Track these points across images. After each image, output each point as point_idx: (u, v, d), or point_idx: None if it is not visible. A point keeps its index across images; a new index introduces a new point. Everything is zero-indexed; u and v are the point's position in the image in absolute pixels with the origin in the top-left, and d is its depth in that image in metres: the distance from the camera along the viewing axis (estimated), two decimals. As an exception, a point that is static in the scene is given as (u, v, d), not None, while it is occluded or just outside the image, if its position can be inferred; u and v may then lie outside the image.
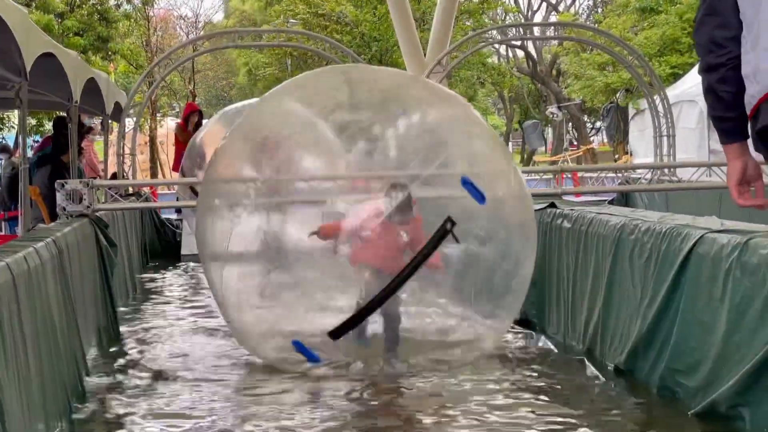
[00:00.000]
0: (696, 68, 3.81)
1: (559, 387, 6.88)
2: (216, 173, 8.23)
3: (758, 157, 3.43)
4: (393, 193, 7.68)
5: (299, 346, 7.45)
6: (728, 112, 3.28)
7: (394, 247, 7.68)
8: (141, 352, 8.58)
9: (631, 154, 24.74)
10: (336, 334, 7.39)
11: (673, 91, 18.59)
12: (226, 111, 16.35)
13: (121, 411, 6.55)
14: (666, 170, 12.99)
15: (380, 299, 7.36)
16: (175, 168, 18.28)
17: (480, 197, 7.24)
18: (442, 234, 7.25)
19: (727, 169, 3.46)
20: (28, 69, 8.02)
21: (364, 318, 7.54)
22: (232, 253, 7.99)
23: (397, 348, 7.84)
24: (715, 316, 5.88)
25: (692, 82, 17.94)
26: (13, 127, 24.53)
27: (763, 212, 3.47)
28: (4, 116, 24.51)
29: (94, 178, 13.49)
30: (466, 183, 7.25)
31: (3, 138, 24.37)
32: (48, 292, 6.33)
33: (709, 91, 3.31)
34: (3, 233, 12.97)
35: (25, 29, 7.90)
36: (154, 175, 30.73)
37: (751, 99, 3.19)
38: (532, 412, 6.26)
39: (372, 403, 6.68)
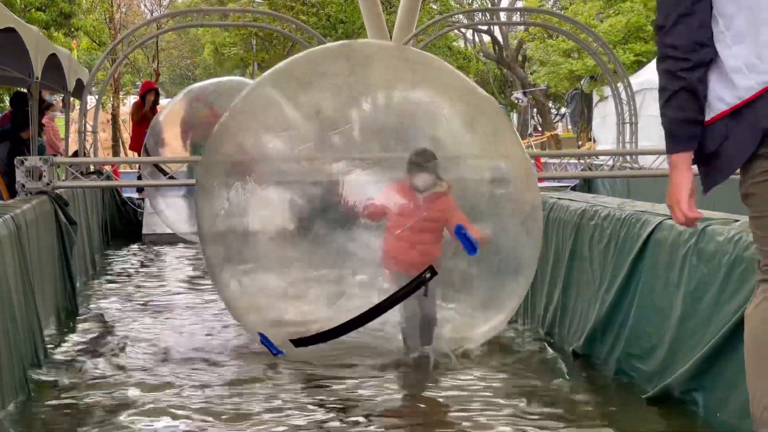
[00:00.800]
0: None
1: (521, 367, 6.95)
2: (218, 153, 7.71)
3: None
4: (415, 168, 6.93)
5: (263, 339, 7.11)
6: (700, 115, 3.27)
7: (428, 236, 7.00)
8: (99, 330, 8.57)
9: (594, 141, 24.89)
10: (307, 341, 6.97)
11: (637, 79, 18.74)
12: (191, 89, 16.31)
13: (77, 385, 6.56)
14: (628, 157, 13.07)
15: (360, 319, 6.81)
16: (132, 147, 18.22)
17: (471, 248, 6.71)
18: (419, 283, 6.71)
19: (673, 180, 3.42)
20: (-11, 43, 7.97)
21: (341, 333, 6.91)
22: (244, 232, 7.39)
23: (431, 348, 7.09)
24: (672, 301, 5.94)
25: (656, 70, 18.04)
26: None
27: (721, 200, 3.49)
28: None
29: (55, 155, 13.45)
30: (460, 233, 6.73)
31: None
32: (6, 268, 6.31)
33: (684, 91, 3.28)
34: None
35: (-14, 3, 7.84)
36: (116, 153, 30.59)
37: (741, 91, 3.20)
38: (492, 395, 6.30)
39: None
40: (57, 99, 17.39)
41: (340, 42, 8.21)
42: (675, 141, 3.34)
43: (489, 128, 7.55)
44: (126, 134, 31.82)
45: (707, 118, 3.26)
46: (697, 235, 5.80)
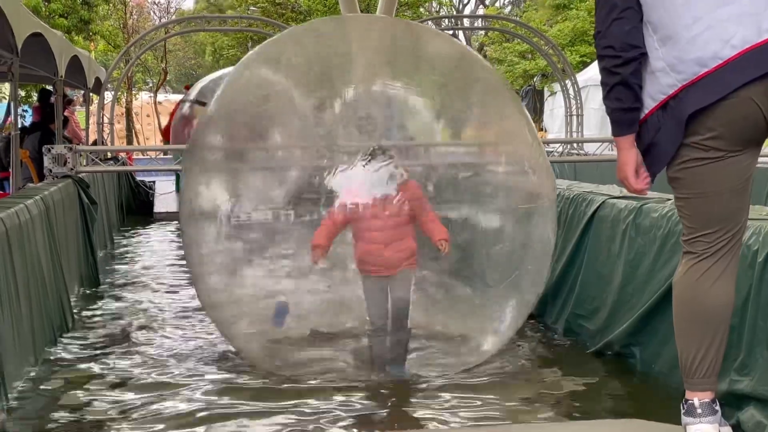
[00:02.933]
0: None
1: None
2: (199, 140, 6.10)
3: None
4: (374, 158, 5.51)
5: (279, 308, 5.85)
6: (636, 103, 3.30)
7: (399, 230, 5.51)
8: (116, 294, 8.60)
9: (545, 131, 24.93)
10: None
11: (582, 77, 18.75)
12: (201, 85, 16.55)
13: (100, 342, 6.60)
14: (575, 145, 13.12)
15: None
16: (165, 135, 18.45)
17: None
18: None
19: (620, 159, 3.46)
20: (20, 47, 7.92)
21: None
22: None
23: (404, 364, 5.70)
24: (613, 270, 6.00)
25: (597, 69, 18.12)
26: (4, 98, 24.11)
27: (656, 181, 3.49)
28: (-2, 88, 24.15)
29: (77, 144, 13.38)
30: None
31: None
32: (36, 242, 6.31)
33: (620, 84, 3.30)
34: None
35: (17, 12, 7.79)
36: (129, 142, 30.40)
37: (665, 88, 3.23)
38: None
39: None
40: (77, 95, 17.28)
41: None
42: (618, 126, 3.39)
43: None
44: (138, 125, 31.76)
45: (642, 115, 3.31)
46: (635, 212, 5.85)
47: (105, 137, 15.21)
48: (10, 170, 9.84)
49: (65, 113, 14.73)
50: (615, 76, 3.31)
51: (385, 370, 5.57)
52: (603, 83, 3.37)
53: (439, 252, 5.47)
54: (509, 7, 42.97)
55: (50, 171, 9.18)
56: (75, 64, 12.05)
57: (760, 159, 3.56)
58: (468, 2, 44.86)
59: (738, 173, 3.25)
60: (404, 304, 5.56)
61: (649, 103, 3.26)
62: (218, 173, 5.96)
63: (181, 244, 12.31)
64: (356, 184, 5.38)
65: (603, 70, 3.36)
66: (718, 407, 3.32)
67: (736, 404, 4.34)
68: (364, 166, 5.47)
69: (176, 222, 14.29)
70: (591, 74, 19.31)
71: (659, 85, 3.22)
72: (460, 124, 6.25)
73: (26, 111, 19.39)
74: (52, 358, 6.08)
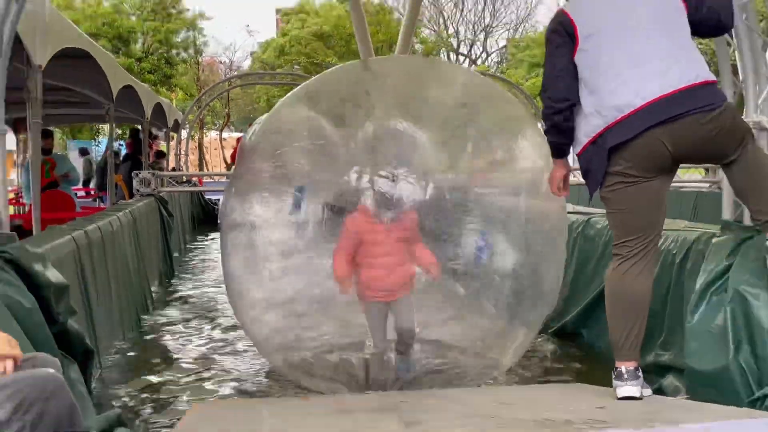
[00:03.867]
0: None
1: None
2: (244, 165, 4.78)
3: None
4: (378, 184, 4.37)
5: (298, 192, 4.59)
6: (564, 139, 3.46)
7: (402, 256, 4.40)
8: (189, 287, 8.63)
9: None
10: None
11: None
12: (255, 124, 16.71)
13: (174, 321, 6.63)
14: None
15: None
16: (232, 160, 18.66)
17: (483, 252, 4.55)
18: None
19: (552, 174, 3.66)
20: (114, 95, 8.02)
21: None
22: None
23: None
24: (567, 269, 5.98)
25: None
26: (105, 135, 24.38)
27: (598, 201, 3.59)
28: (100, 127, 24.34)
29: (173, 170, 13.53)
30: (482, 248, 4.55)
31: (98, 143, 24.16)
32: (125, 245, 6.37)
33: (554, 126, 3.44)
34: (98, 205, 12.91)
35: (113, 69, 7.89)
36: (201, 169, 30.56)
37: (595, 128, 3.29)
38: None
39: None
40: (160, 133, 17.41)
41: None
42: (553, 153, 3.59)
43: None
44: (207, 156, 31.92)
45: (578, 149, 3.40)
46: (584, 224, 5.87)
47: (182, 165, 15.35)
48: (107, 189, 9.94)
49: (161, 147, 14.94)
50: (550, 119, 3.44)
51: (379, 388, 4.28)
52: (544, 122, 3.49)
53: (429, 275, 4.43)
54: (495, 66, 42.96)
55: (138, 191, 9.28)
56: (158, 109, 12.18)
57: (687, 183, 3.61)
58: (464, 61, 44.97)
59: (650, 194, 3.32)
60: (410, 325, 4.43)
61: (584, 140, 3.33)
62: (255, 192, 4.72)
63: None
64: (368, 208, 4.36)
65: (544, 115, 3.48)
66: (640, 374, 3.34)
67: (660, 373, 4.34)
68: (376, 189, 4.37)
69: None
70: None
71: (590, 125, 3.29)
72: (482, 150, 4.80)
73: (121, 145, 19.60)
74: (134, 334, 6.13)
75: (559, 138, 3.46)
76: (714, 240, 3.89)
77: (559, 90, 3.37)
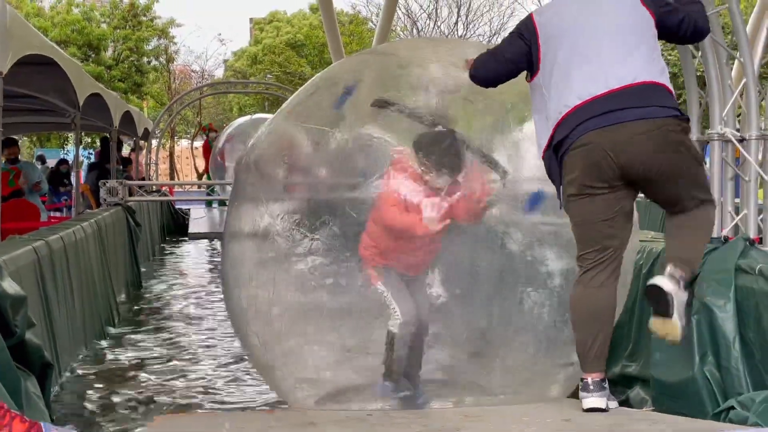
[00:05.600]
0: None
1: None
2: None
3: None
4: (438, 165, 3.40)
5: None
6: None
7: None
8: (156, 297, 8.53)
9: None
10: None
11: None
12: (228, 131, 17.10)
13: (140, 336, 6.51)
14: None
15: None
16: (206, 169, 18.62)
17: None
18: None
19: None
20: (81, 103, 7.92)
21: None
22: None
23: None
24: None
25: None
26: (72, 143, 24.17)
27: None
28: (68, 136, 24.11)
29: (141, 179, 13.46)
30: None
31: (66, 152, 23.88)
32: (90, 255, 6.28)
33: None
34: (62, 215, 12.76)
35: (79, 76, 7.79)
36: (172, 178, 30.38)
37: (548, 132, 3.25)
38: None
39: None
40: (130, 142, 17.27)
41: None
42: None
43: None
44: (178, 165, 31.72)
45: (540, 154, 3.32)
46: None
47: (151, 174, 15.23)
48: (73, 199, 9.84)
49: (131, 156, 14.79)
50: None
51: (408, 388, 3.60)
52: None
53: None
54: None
55: (104, 200, 9.19)
56: (127, 117, 12.06)
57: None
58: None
59: (604, 207, 3.18)
60: (425, 315, 3.58)
61: (543, 144, 3.29)
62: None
63: (204, 255, 12.34)
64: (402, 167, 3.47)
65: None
66: (606, 385, 3.31)
67: (627, 384, 4.34)
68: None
69: (206, 240, 14.29)
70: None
71: (548, 129, 3.26)
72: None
73: (91, 154, 19.41)
74: (99, 347, 6.03)
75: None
76: (680, 251, 3.89)
77: (489, 72, 3.38)
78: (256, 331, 3.64)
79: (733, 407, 3.11)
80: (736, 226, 4.27)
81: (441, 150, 3.44)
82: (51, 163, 17.20)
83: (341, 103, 3.81)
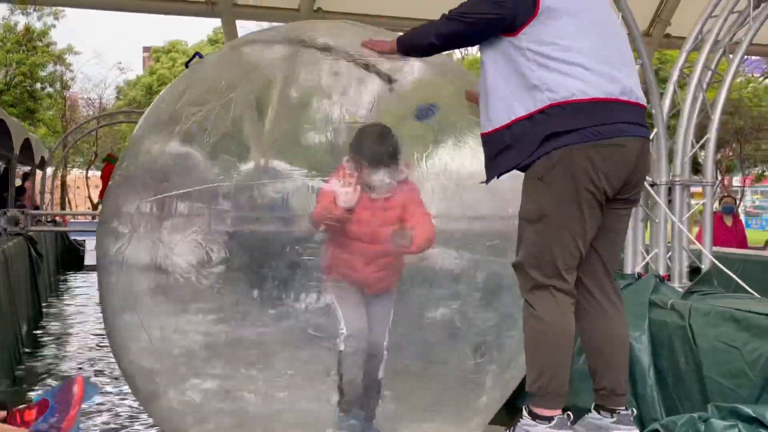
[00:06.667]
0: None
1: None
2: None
3: None
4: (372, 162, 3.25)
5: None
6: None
7: (377, 235, 3.29)
8: (57, 327, 8.32)
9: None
10: None
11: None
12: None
13: (47, 365, 6.34)
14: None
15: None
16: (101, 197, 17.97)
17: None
18: None
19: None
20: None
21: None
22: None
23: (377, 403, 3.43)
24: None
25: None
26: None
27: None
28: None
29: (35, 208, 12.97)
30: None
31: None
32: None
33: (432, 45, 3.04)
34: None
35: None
36: (62, 207, 29.37)
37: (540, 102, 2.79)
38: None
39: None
40: (26, 169, 16.66)
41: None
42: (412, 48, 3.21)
43: None
44: (71, 194, 30.71)
45: (509, 120, 2.78)
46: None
47: (45, 204, 14.74)
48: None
49: (25, 185, 14.25)
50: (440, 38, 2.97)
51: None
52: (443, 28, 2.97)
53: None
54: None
55: (5, 230, 8.84)
56: (26, 145, 11.68)
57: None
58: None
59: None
60: (379, 339, 3.40)
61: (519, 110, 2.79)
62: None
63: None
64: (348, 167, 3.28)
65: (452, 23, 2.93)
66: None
67: None
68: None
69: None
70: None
71: (538, 99, 2.75)
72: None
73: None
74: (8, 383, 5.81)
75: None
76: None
77: (449, 32, 2.92)
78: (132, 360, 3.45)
79: (657, 430, 3.32)
80: (647, 263, 4.57)
81: (373, 144, 3.27)
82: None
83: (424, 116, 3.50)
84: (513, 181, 2.87)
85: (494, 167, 2.84)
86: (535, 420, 2.79)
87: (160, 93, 3.95)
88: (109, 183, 3.82)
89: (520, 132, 2.72)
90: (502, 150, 2.78)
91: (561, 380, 2.78)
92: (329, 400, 3.36)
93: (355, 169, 3.18)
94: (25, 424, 2.12)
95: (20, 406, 2.22)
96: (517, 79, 2.74)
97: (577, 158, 2.67)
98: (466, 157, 3.38)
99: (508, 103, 2.75)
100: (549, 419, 2.77)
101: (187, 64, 3.79)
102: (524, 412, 2.85)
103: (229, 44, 4.44)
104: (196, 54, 3.84)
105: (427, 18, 3.06)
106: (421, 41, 3.04)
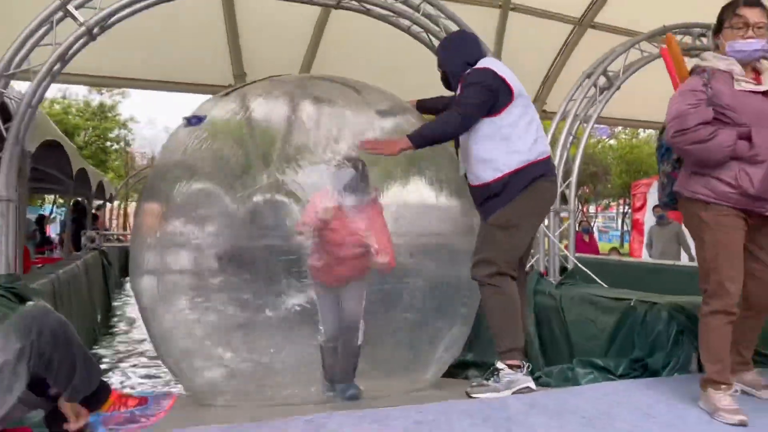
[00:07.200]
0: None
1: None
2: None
3: None
4: (342, 169, 3.02)
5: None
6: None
7: (350, 246, 3.04)
8: (123, 317, 8.04)
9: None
10: None
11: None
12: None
13: (114, 346, 6.15)
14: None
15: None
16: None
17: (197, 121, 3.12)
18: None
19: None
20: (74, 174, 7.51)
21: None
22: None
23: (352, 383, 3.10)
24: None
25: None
26: (48, 203, 22.30)
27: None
28: (45, 197, 22.22)
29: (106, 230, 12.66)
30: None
31: (43, 209, 21.98)
32: (82, 286, 5.95)
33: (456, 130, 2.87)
34: (44, 256, 11.82)
35: (72, 151, 7.41)
36: (125, 229, 28.57)
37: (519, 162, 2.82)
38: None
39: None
40: (100, 202, 16.20)
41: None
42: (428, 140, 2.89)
43: None
44: (131, 220, 29.91)
45: (499, 174, 2.80)
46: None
47: (113, 227, 14.36)
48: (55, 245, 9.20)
49: (98, 214, 13.93)
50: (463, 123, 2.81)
51: (335, 388, 3.10)
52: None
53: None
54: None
55: (85, 245, 8.68)
56: (99, 186, 11.46)
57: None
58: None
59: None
60: (353, 317, 3.09)
61: (504, 169, 2.82)
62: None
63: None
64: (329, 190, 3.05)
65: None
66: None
67: (464, 368, 4.08)
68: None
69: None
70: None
71: (515, 160, 2.81)
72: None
73: (63, 211, 18.06)
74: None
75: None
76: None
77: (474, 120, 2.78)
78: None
79: (540, 377, 3.38)
80: (532, 264, 4.63)
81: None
82: (30, 217, 15.85)
83: (193, 124, 3.16)
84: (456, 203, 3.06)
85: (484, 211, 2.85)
86: (513, 369, 2.72)
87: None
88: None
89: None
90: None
91: (520, 337, 2.77)
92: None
93: (334, 191, 3.01)
94: (125, 406, 2.06)
95: (125, 392, 2.13)
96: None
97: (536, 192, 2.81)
98: (423, 187, 3.33)
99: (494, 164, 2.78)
100: (521, 367, 2.73)
101: (187, 120, 3.19)
102: (502, 367, 2.71)
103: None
104: (195, 117, 3.17)
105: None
106: (443, 136, 2.82)
